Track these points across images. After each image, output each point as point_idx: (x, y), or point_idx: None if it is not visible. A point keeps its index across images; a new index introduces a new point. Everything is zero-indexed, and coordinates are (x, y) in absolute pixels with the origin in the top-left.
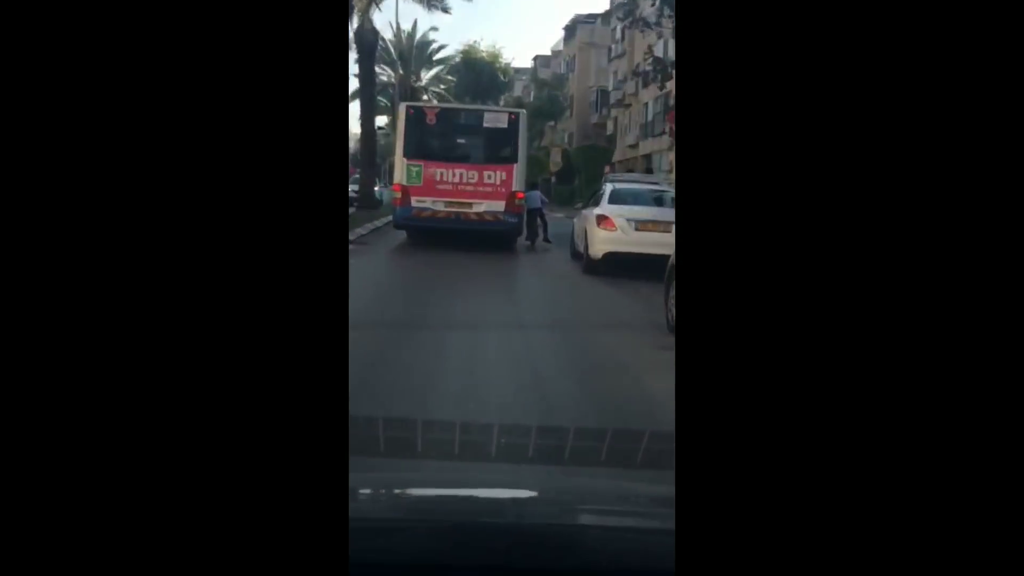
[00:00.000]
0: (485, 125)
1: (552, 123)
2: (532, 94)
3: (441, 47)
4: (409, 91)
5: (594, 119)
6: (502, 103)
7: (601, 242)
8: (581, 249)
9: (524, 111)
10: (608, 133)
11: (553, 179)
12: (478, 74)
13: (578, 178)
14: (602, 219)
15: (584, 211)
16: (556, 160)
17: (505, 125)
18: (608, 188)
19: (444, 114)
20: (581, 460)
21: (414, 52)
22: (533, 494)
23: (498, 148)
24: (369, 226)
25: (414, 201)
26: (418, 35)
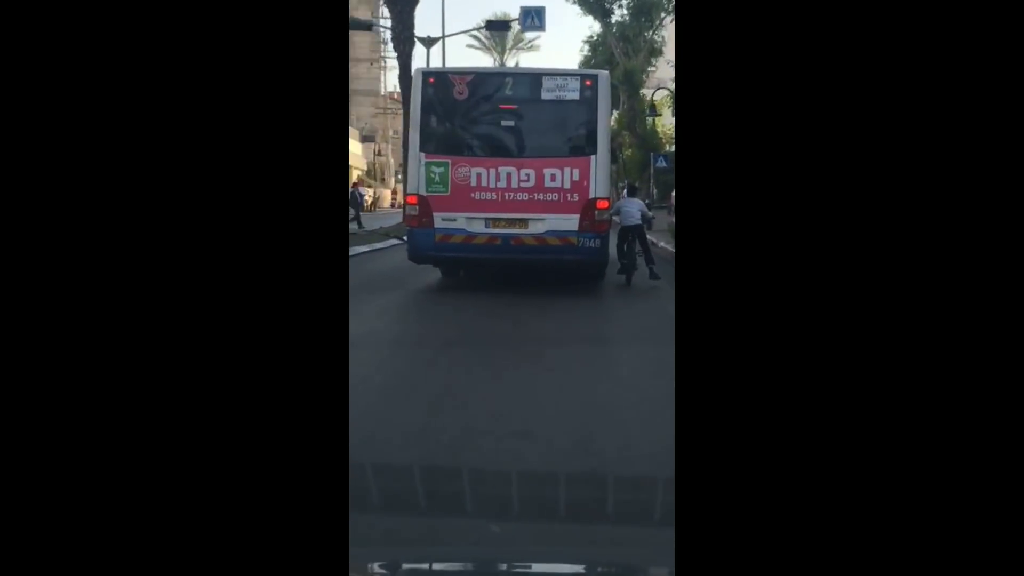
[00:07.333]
0: (545, 97)
1: None
2: None
3: None
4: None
5: None
6: None
7: None
8: None
9: (606, 72)
10: None
11: None
12: None
13: None
14: None
15: None
16: None
17: (576, 95)
18: None
19: (480, 82)
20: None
21: None
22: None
23: (567, 133)
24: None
25: (439, 220)
26: None
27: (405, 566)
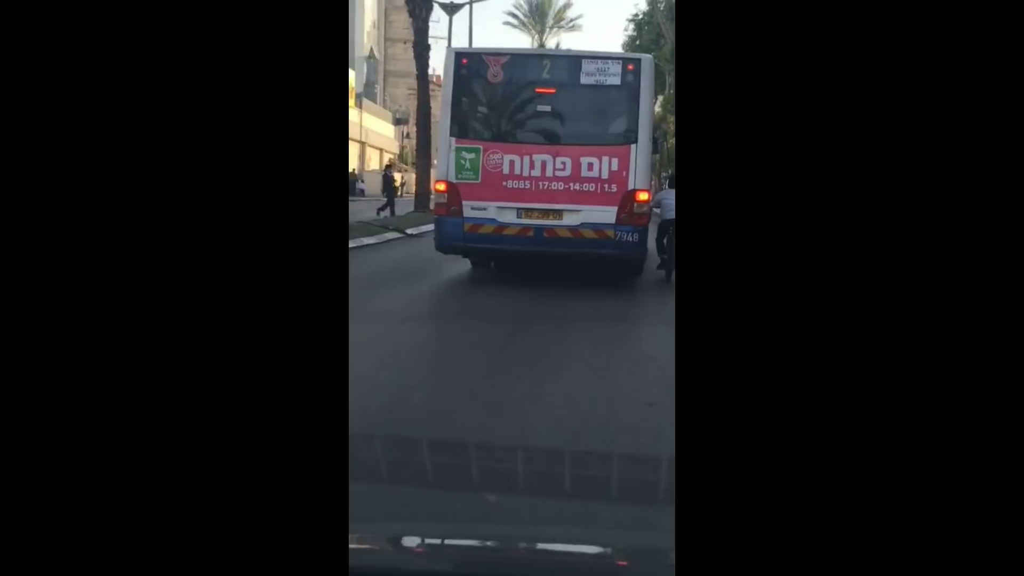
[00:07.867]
0: (584, 81)
1: None
2: None
3: None
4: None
5: None
6: None
7: None
8: None
9: (649, 56)
10: None
11: None
12: None
13: None
14: None
15: None
16: None
17: (617, 80)
18: None
19: (516, 64)
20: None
21: None
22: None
23: (606, 119)
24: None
25: (468, 208)
26: None
27: (407, 539)
